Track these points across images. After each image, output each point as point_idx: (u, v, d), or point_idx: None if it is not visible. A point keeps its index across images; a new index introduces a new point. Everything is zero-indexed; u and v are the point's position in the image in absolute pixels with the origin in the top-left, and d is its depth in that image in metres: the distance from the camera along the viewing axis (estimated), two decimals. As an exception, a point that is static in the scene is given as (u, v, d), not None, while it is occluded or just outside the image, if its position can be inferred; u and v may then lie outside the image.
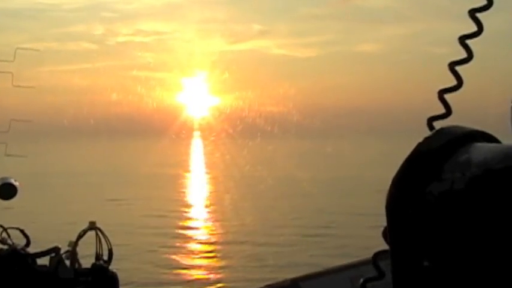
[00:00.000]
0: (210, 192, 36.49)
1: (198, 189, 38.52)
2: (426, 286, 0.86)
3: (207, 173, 50.62)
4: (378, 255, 1.09)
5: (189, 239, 20.62)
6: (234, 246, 19.37)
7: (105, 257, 3.23)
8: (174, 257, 17.51)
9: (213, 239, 20.90)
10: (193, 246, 19.59)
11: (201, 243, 20.30)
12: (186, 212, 26.77)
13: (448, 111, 1.11)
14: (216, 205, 30.28)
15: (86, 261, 3.34)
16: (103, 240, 3.23)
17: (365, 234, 20.49)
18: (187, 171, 51.23)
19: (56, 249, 3.17)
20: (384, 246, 1.02)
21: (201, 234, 21.99)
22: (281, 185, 34.34)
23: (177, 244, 19.55)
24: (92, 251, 3.32)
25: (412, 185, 0.90)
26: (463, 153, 0.89)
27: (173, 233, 21.31)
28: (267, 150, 57.84)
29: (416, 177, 0.90)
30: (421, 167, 0.91)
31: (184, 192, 34.68)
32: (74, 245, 3.16)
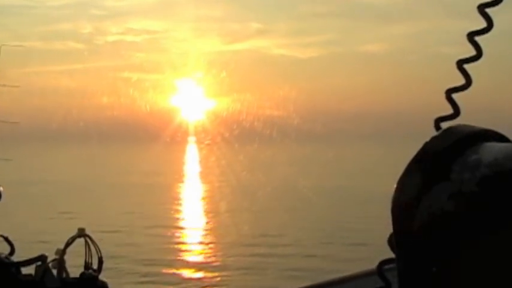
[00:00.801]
0: (185, 206, 35.42)
1: (176, 201, 37.31)
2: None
3: (200, 182, 50.23)
4: (384, 264, 1.10)
5: (122, 258, 19.71)
6: (176, 269, 18.87)
7: (95, 266, 3.25)
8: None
9: (149, 259, 19.85)
10: (121, 266, 18.72)
11: (134, 263, 19.47)
12: (140, 227, 25.62)
13: (456, 112, 1.12)
14: (180, 219, 29.32)
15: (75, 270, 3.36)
16: (93, 248, 3.25)
17: (332, 254, 20.20)
18: (178, 180, 50.67)
19: (42, 258, 3.16)
20: (389, 254, 1.02)
21: (138, 253, 20.87)
22: (272, 197, 33.93)
23: (106, 265, 19.10)
24: (81, 260, 3.35)
25: (419, 187, 0.91)
26: (473, 153, 0.89)
27: (109, 251, 20.75)
28: (266, 157, 57.65)
29: (423, 178, 0.91)
30: (428, 168, 0.91)
31: (157, 205, 33.18)
32: (62, 253, 3.15)
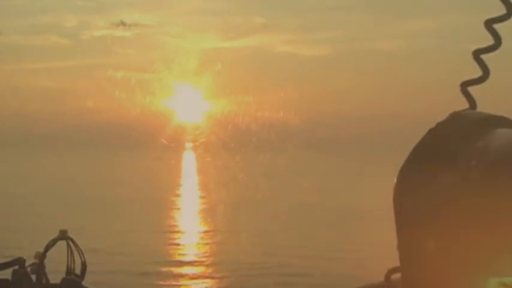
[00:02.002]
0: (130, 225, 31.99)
1: (128, 220, 33.79)
2: (434, 273, 0.91)
3: (198, 197, 49.52)
4: (392, 272, 1.13)
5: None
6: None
7: (78, 271, 3.28)
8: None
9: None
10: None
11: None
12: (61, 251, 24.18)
13: (472, 106, 1.15)
14: (114, 242, 26.82)
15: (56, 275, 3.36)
16: (75, 251, 3.28)
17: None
18: (151, 194, 48.76)
19: (20, 261, 3.19)
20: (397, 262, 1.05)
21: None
22: (259, 216, 33.14)
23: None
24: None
25: (423, 174, 0.93)
26: (480, 139, 0.91)
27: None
28: (273, 167, 57.25)
29: (427, 165, 0.94)
30: (433, 154, 0.92)
31: (103, 225, 31.55)
32: (42, 256, 3.17)
